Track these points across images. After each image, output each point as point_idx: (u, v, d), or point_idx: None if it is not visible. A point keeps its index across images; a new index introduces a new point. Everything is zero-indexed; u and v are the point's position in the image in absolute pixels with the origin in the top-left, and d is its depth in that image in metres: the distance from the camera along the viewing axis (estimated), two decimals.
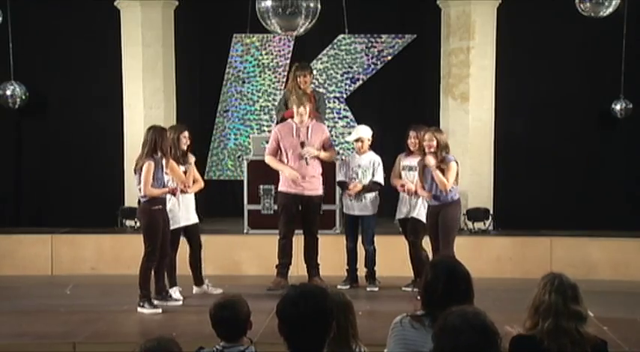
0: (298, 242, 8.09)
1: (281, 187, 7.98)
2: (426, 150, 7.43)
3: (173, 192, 7.41)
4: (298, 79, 9.01)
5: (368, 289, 8.15)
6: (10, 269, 9.08)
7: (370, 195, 8.09)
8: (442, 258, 4.00)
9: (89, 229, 9.58)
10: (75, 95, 10.43)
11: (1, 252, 9.25)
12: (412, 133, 7.88)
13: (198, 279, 7.98)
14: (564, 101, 10.22)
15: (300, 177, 7.80)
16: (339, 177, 8.29)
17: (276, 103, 10.65)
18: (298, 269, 8.23)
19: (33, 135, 10.70)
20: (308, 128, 7.85)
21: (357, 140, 8.12)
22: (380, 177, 8.10)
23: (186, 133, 7.68)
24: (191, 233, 7.89)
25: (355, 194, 8.05)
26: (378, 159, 8.14)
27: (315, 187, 7.92)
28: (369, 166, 8.08)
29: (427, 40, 10.51)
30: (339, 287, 7.85)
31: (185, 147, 7.70)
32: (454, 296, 3.31)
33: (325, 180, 8.80)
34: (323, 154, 7.89)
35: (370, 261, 8.18)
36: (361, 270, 8.27)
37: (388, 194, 8.34)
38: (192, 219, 7.84)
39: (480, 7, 9.75)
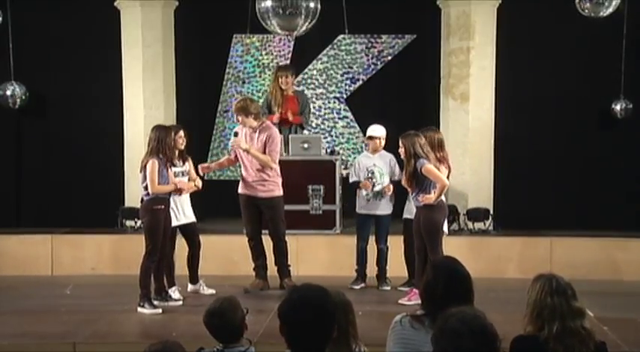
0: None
1: (239, 189, 7.99)
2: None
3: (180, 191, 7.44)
4: (279, 80, 9.04)
5: (380, 288, 8.13)
6: (10, 269, 9.06)
7: (388, 195, 8.07)
8: (443, 258, 4.00)
9: (89, 229, 9.58)
10: (75, 95, 10.41)
11: (1, 252, 9.24)
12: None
13: (194, 278, 7.97)
14: (564, 101, 10.21)
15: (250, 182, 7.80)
16: (353, 178, 8.18)
17: None
18: (298, 270, 8.26)
19: (33, 135, 10.69)
20: (257, 131, 7.79)
21: (370, 138, 8.06)
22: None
23: (181, 133, 7.64)
24: (188, 231, 7.87)
25: (379, 193, 8.00)
26: (393, 157, 8.03)
27: (267, 189, 7.81)
28: (386, 166, 8.03)
29: (427, 40, 10.50)
30: (351, 287, 7.87)
31: (182, 148, 7.69)
32: (454, 297, 3.31)
33: (326, 181, 8.80)
34: (253, 151, 7.70)
35: (382, 260, 8.17)
36: (369, 270, 8.22)
37: (397, 194, 8.31)
38: (188, 217, 7.81)
39: (480, 7, 9.74)
